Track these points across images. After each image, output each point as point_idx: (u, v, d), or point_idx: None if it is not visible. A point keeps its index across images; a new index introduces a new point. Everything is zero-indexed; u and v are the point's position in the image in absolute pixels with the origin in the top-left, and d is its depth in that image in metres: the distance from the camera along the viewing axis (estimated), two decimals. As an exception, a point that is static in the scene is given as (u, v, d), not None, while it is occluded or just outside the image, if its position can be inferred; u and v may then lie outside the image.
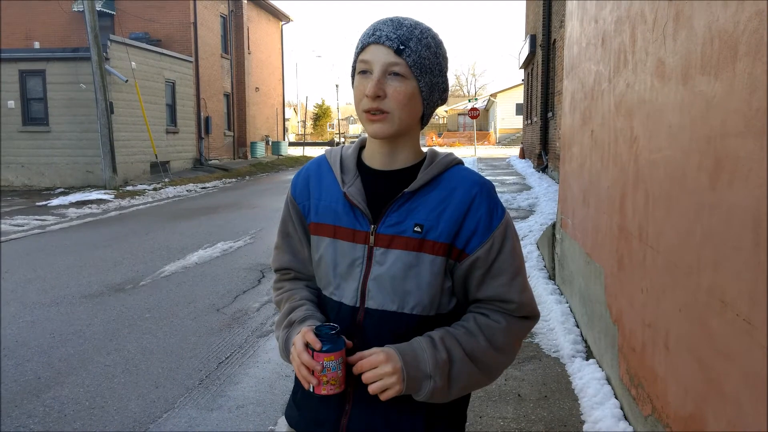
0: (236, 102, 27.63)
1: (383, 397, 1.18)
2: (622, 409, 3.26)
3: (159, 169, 18.91)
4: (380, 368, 1.17)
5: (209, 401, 3.85)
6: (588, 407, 3.38)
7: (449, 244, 1.25)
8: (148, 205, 13.73)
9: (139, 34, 21.19)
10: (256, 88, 29.70)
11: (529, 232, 8.53)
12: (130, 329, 5.20)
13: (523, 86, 26.38)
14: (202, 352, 4.67)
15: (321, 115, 71.14)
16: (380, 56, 1.22)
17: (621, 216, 3.48)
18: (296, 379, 1.41)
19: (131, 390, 3.99)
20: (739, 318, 1.94)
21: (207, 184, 18.57)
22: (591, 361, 3.96)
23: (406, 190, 1.27)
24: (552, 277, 6.13)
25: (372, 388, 1.18)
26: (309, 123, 66.58)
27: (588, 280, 4.37)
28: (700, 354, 2.30)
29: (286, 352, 1.34)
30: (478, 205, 1.27)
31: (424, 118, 1.32)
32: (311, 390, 1.21)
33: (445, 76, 1.31)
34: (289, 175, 22.35)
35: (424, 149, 1.38)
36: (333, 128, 72.59)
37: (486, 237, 1.26)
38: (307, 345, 1.19)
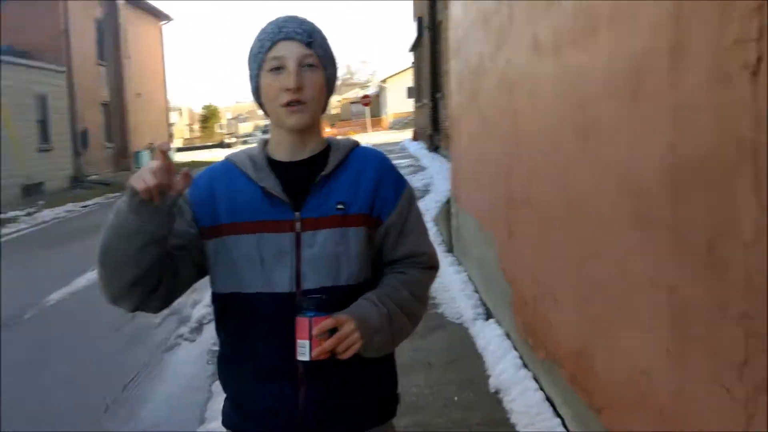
0: (116, 111, 25.95)
1: (347, 354, 1.28)
2: (521, 358, 3.57)
3: (32, 192, 17.38)
4: (343, 329, 1.27)
5: (119, 426, 3.71)
6: (492, 363, 3.67)
7: (367, 215, 1.38)
8: (23, 232, 12.33)
9: (2, 47, 19.03)
10: (138, 94, 28.04)
11: (426, 211, 8.85)
12: (24, 367, 4.75)
13: (412, 69, 26.90)
14: (105, 377, 4.43)
15: (209, 117, 68.76)
16: (293, 50, 1.30)
17: (508, 185, 3.78)
18: (227, 387, 1.46)
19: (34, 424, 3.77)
20: (615, 262, 2.23)
21: (88, 202, 16.99)
22: (491, 321, 4.27)
23: (322, 173, 1.37)
24: (450, 249, 6.45)
25: (339, 349, 1.27)
26: (197, 126, 64.06)
27: (483, 248, 4.68)
28: (582, 298, 2.60)
29: (129, 196, 1.22)
30: (386, 179, 1.42)
31: (325, 107, 1.43)
32: (306, 356, 1.25)
33: (336, 64, 1.44)
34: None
35: None
36: (222, 129, 70.31)
37: (395, 204, 1.41)
38: None
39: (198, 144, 51.69)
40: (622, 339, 2.21)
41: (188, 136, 64.37)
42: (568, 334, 2.82)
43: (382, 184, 1.40)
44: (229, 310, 1.40)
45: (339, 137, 1.50)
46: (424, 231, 1.48)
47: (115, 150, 25.77)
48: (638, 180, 1.98)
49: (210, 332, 5.30)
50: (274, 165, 1.40)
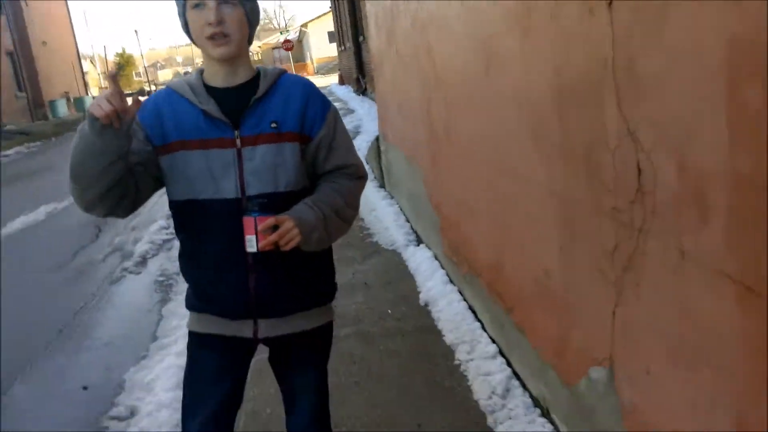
0: (22, 59, 24.62)
1: (288, 246, 1.52)
2: (447, 275, 3.93)
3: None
4: (284, 226, 1.51)
5: (75, 346, 3.95)
6: (422, 281, 4.02)
7: (299, 132, 1.60)
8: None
9: None
10: (43, 42, 26.64)
11: (358, 150, 9.06)
12: None
13: (331, 13, 26.45)
14: (53, 308, 4.65)
15: (124, 65, 65.68)
16: None
17: (429, 118, 4.03)
18: (188, 278, 1.70)
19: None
20: (520, 177, 2.53)
21: (8, 152, 16.74)
22: (421, 246, 4.61)
23: (254, 97, 1.58)
24: (382, 185, 6.73)
25: (282, 242, 1.50)
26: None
27: (411, 180, 4.96)
28: (495, 213, 2.92)
29: (90, 121, 1.41)
30: (313, 100, 1.63)
31: (250, 39, 1.63)
32: (253, 247, 1.49)
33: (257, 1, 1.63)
34: (101, 129, 20.84)
35: None
36: (140, 77, 67.41)
37: (323, 122, 1.63)
38: None
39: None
40: (526, 244, 2.54)
41: (103, 85, 61.39)
42: (485, 248, 3.15)
43: (309, 105, 1.62)
44: (185, 214, 1.63)
45: (267, 66, 1.70)
46: (351, 146, 1.72)
47: (27, 99, 24.60)
48: (533, 103, 2.26)
49: (155, 265, 5.52)
50: (211, 91, 1.60)
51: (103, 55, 51.02)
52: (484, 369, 2.92)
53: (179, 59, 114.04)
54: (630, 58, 1.58)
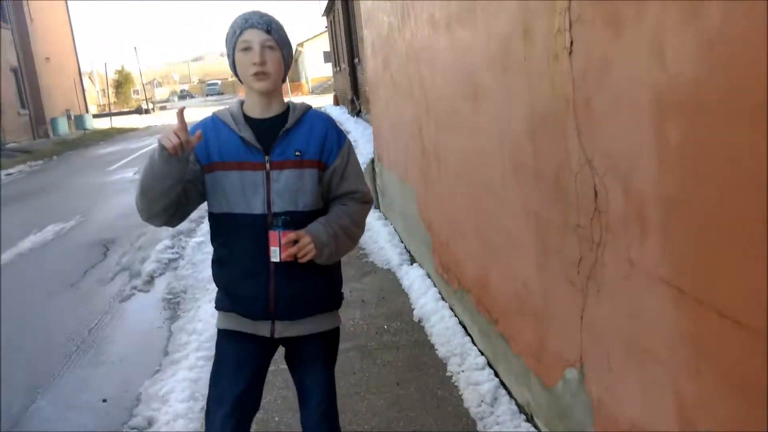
0: (26, 76, 24.98)
1: (305, 259, 1.80)
2: (439, 293, 4.18)
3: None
4: (302, 240, 1.79)
5: (92, 361, 4.17)
6: (415, 298, 4.27)
7: (318, 160, 1.89)
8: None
9: None
10: (47, 58, 27.04)
11: (353, 172, 9.33)
12: None
13: (327, 33, 26.91)
14: (69, 324, 4.86)
15: (122, 82, 66.10)
16: (257, 36, 1.81)
17: (421, 142, 4.31)
18: (219, 281, 1.97)
19: (9, 366, 4.16)
20: (501, 198, 2.79)
21: (11, 171, 16.99)
22: (414, 265, 4.86)
23: (284, 128, 1.88)
24: (377, 206, 6.99)
25: (300, 255, 1.78)
26: (111, 91, 61.58)
27: (404, 201, 5.23)
28: (481, 232, 3.18)
29: (159, 150, 1.71)
30: (331, 134, 1.94)
31: (284, 77, 1.94)
32: (277, 257, 1.77)
33: (291, 46, 1.94)
34: (101, 150, 21.12)
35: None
36: (138, 94, 67.83)
37: (339, 153, 1.93)
38: None
39: (115, 110, 49.56)
40: (508, 261, 2.80)
41: (101, 102, 61.79)
42: (473, 265, 3.41)
43: (328, 138, 1.92)
44: (221, 225, 1.92)
45: (295, 101, 1.99)
46: (360, 174, 2.01)
47: (30, 116, 24.84)
48: (511, 131, 2.54)
49: (162, 284, 5.75)
50: (249, 120, 1.90)
51: (103, 72, 51.31)
52: (474, 379, 3.15)
53: (176, 77, 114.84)
54: (586, 98, 1.85)
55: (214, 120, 1.94)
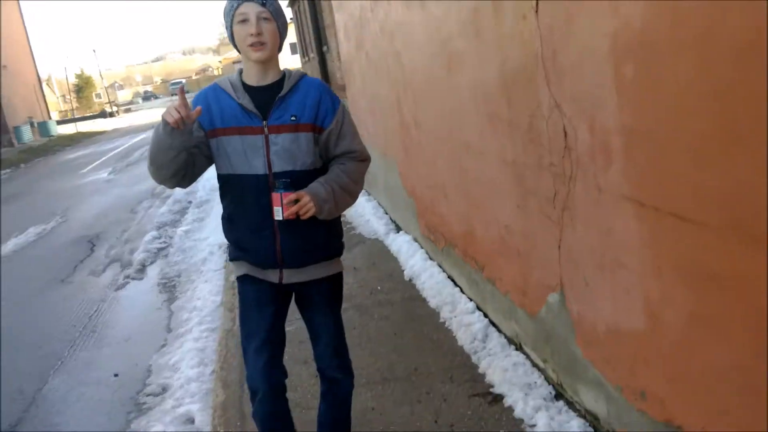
0: (-15, 85, 24.63)
1: (306, 216, 1.99)
2: (427, 253, 4.45)
3: None
4: (303, 200, 1.99)
5: (97, 343, 4.38)
6: (404, 260, 4.54)
7: (313, 123, 2.07)
8: None
9: None
10: (4, 66, 26.60)
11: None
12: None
13: (294, 24, 26.86)
14: (67, 315, 5.03)
15: (83, 86, 64.80)
16: (253, 8, 1.95)
17: (400, 115, 4.55)
18: (229, 236, 2.18)
19: (14, 356, 4.33)
20: (480, 153, 3.06)
21: (-21, 178, 16.91)
22: (401, 232, 5.13)
23: (279, 95, 2.05)
24: (358, 184, 7.23)
25: (301, 212, 1.98)
26: (71, 97, 60.30)
27: (387, 174, 5.48)
28: (463, 189, 3.45)
29: (162, 124, 1.91)
30: (326, 98, 2.10)
31: (280, 47, 2.11)
32: (280, 216, 1.97)
33: (285, 17, 2.11)
34: (70, 155, 20.99)
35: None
36: (100, 98, 66.60)
37: (334, 115, 2.10)
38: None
39: (78, 116, 48.59)
40: (490, 208, 3.08)
41: (62, 108, 60.54)
42: (457, 221, 3.68)
43: (322, 103, 2.09)
44: (228, 185, 2.12)
45: (291, 68, 2.16)
46: (356, 134, 2.19)
47: (-9, 125, 24.49)
48: (486, 90, 2.80)
49: (154, 271, 5.95)
50: (247, 88, 2.07)
51: (61, 77, 50.08)
52: (466, 321, 3.44)
53: (138, 78, 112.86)
54: (553, 51, 2.12)
55: (215, 89, 2.11)
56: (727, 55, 1.38)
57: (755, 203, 1.37)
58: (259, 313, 2.15)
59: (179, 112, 1.87)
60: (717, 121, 1.44)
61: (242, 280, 2.20)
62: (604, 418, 2.28)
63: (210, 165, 2.16)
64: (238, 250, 2.18)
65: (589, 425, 2.40)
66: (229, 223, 2.19)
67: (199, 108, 1.95)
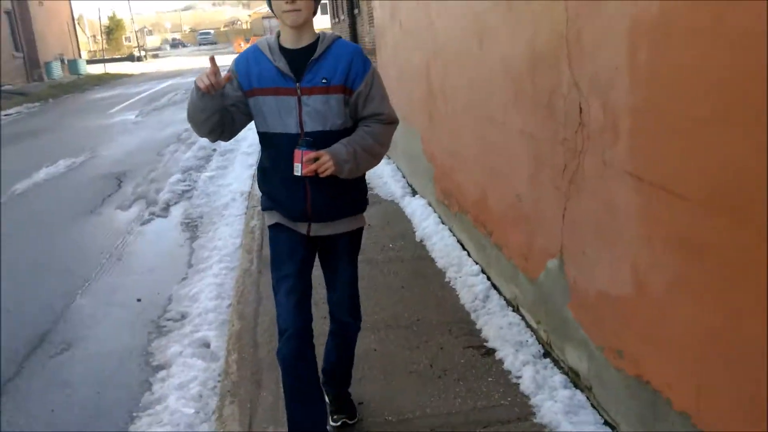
0: (20, 18, 24.85)
1: (324, 174, 2.12)
2: (440, 217, 4.66)
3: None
4: (322, 158, 2.13)
5: (122, 271, 4.68)
6: (417, 223, 4.75)
7: (343, 85, 2.19)
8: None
9: None
10: (40, 2, 26.82)
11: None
12: (14, 240, 5.65)
13: (327, -15, 26.67)
14: (95, 243, 5.34)
15: (114, 29, 64.95)
16: None
17: (428, 83, 4.72)
18: (263, 187, 2.34)
19: (45, 276, 4.62)
20: (502, 125, 3.24)
21: (9, 111, 17.26)
22: (417, 196, 5.34)
23: (312, 58, 2.18)
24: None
25: (319, 170, 2.11)
26: (102, 38, 60.51)
27: (408, 140, 5.66)
28: (481, 159, 3.63)
29: (195, 89, 2.07)
30: (357, 61, 2.22)
31: (314, 12, 2.24)
32: (299, 172, 2.11)
33: None
34: (98, 95, 21.27)
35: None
36: (129, 41, 66.75)
37: (363, 78, 2.22)
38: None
39: (107, 57, 48.90)
40: (506, 179, 3.26)
41: (92, 49, 60.88)
42: (473, 188, 3.87)
43: (353, 66, 2.21)
44: (265, 142, 2.29)
45: (327, 32, 2.31)
46: (384, 97, 2.30)
47: (24, 59, 24.84)
48: (514, 66, 2.96)
49: (178, 210, 6.24)
50: (283, 51, 2.21)
51: (92, 18, 50.30)
52: (469, 282, 3.66)
53: (168, 25, 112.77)
54: (578, 32, 2.29)
55: (255, 51, 2.21)
56: (728, 48, 1.55)
57: (736, 180, 1.55)
58: (290, 258, 2.31)
59: (209, 80, 2.03)
60: (714, 108, 1.62)
61: (274, 228, 2.36)
62: (584, 374, 2.51)
63: (249, 121, 2.30)
64: (270, 201, 2.34)
65: (570, 381, 2.63)
66: (263, 174, 2.34)
67: (227, 75, 2.12)
